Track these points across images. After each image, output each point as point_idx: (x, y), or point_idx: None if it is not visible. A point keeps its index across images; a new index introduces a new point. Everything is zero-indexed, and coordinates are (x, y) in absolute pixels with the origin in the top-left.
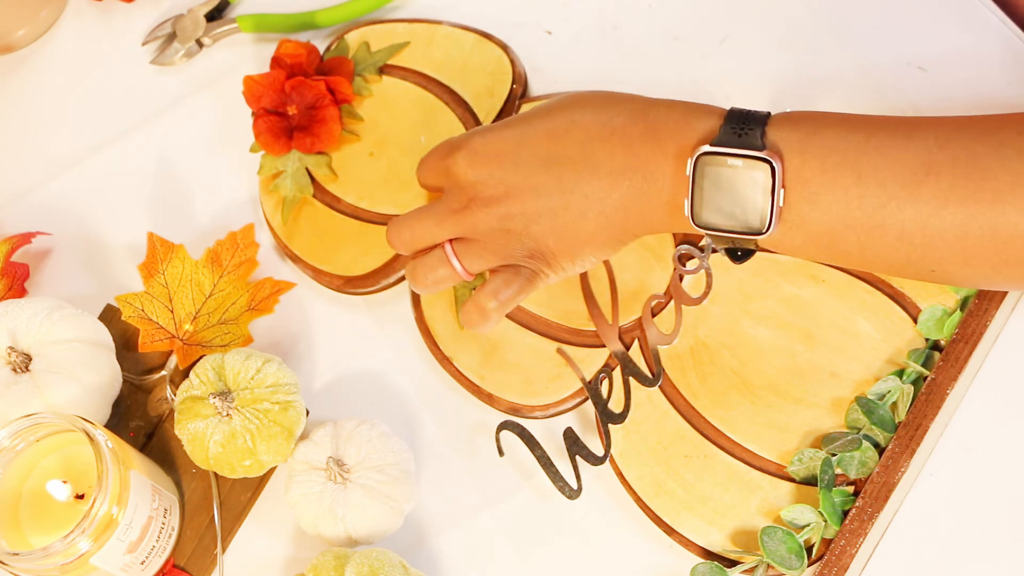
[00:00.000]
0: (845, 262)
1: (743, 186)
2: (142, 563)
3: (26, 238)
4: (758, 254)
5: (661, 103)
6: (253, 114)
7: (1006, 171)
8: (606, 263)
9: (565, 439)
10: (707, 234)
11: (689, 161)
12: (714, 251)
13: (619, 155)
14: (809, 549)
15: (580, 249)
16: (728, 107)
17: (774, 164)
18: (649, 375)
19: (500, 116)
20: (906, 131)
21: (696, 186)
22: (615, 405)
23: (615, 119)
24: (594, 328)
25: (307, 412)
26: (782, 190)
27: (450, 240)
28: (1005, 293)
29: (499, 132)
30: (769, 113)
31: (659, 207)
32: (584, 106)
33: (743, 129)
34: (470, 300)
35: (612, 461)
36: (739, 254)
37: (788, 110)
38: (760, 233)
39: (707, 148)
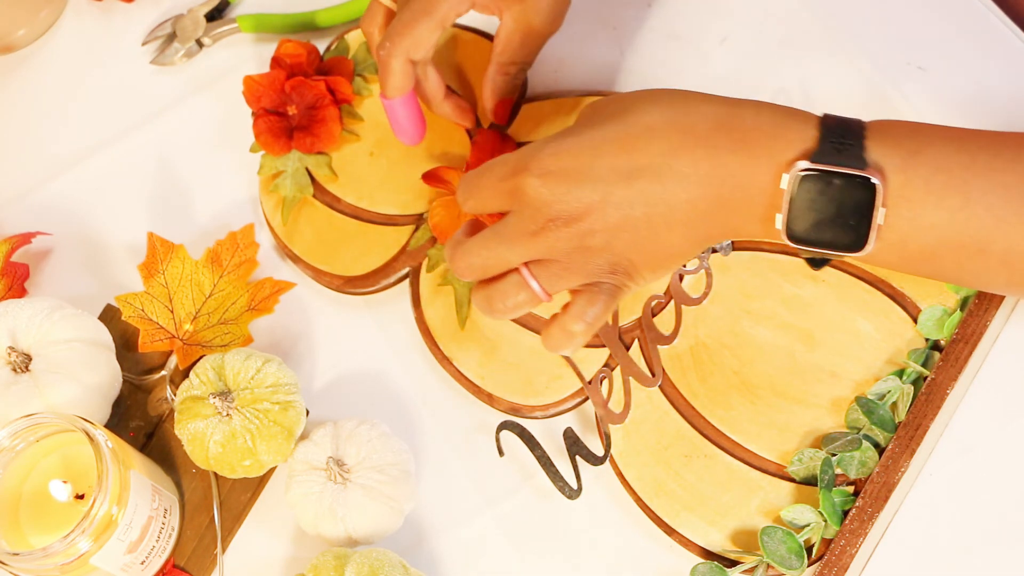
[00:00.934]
0: (937, 277)
1: (842, 203)
2: (142, 563)
3: (26, 238)
4: (758, 255)
5: (746, 106)
6: (253, 114)
7: None
8: None
9: (565, 439)
10: (799, 248)
11: (785, 176)
12: (714, 251)
13: (705, 165)
14: (809, 549)
15: (663, 259)
16: (819, 113)
17: (877, 184)
18: (649, 375)
19: None
20: (1012, 152)
21: (793, 202)
22: (615, 405)
23: (697, 125)
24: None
25: (307, 412)
26: (883, 209)
27: (525, 263)
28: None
29: (569, 145)
30: (863, 123)
31: (748, 218)
32: (657, 108)
33: (842, 143)
34: (555, 324)
35: (612, 461)
36: (819, 261)
37: (882, 118)
38: (857, 251)
39: (807, 165)
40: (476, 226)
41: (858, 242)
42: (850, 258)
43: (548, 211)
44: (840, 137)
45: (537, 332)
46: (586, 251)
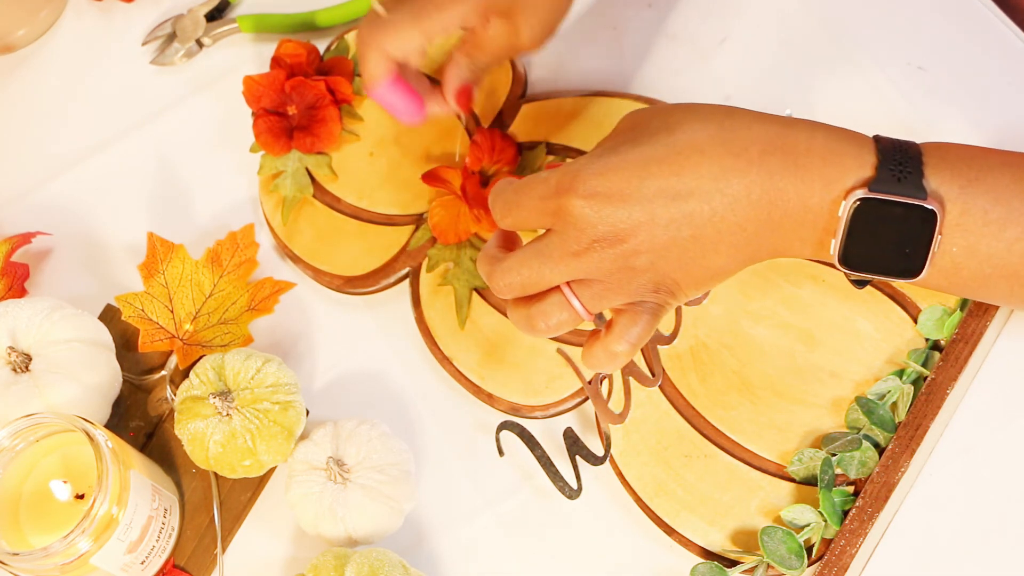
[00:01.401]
0: (985, 300)
1: (900, 233)
2: (142, 563)
3: (26, 238)
4: None
5: (799, 127)
6: (253, 114)
7: None
8: None
9: (565, 439)
10: (849, 274)
11: (844, 204)
12: None
13: (758, 190)
14: (809, 549)
15: (708, 279)
16: (873, 135)
17: (937, 213)
18: (649, 375)
19: (500, 116)
20: None
21: (849, 230)
22: (615, 405)
23: (749, 147)
24: (594, 327)
25: (307, 412)
26: (939, 236)
27: (567, 282)
28: None
29: (616, 164)
30: (920, 147)
31: (799, 241)
32: (706, 127)
33: (902, 171)
34: (598, 344)
35: (612, 461)
36: (863, 283)
37: (935, 140)
38: (910, 278)
39: (865, 195)
40: (508, 237)
41: (912, 270)
42: (899, 283)
43: (593, 232)
44: (899, 165)
45: None
46: (630, 271)
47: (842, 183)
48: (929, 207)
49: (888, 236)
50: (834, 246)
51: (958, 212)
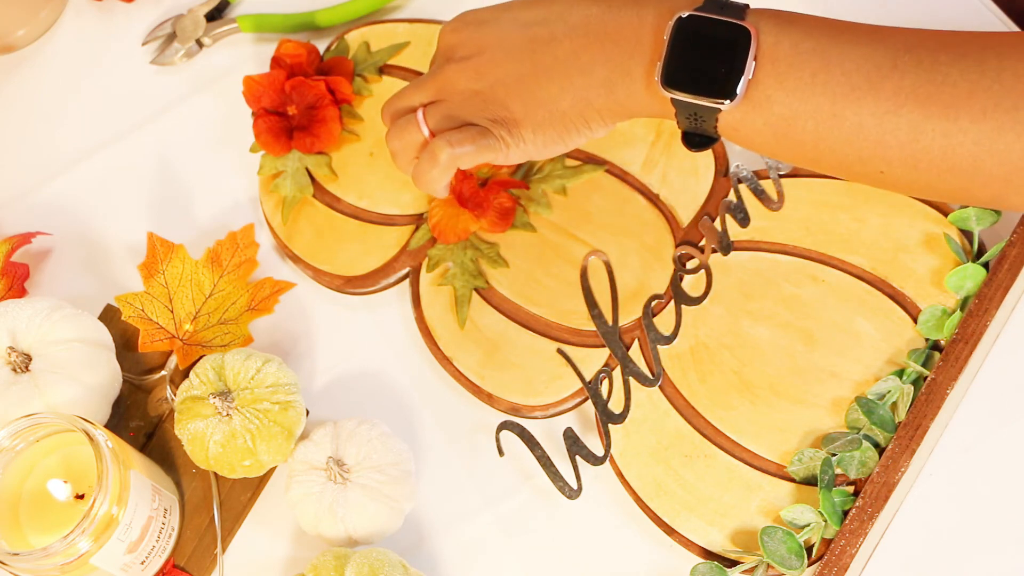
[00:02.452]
0: (798, 156)
1: (715, 51)
2: (142, 563)
3: (26, 238)
4: (758, 255)
5: None
6: (253, 114)
7: (965, 80)
8: (606, 264)
9: (565, 439)
10: (673, 98)
11: (669, 23)
12: (714, 251)
13: (596, 19)
14: (809, 549)
15: (543, 115)
16: None
17: (751, 32)
18: (649, 375)
19: None
20: (877, 33)
21: (670, 47)
22: (615, 405)
23: None
24: (594, 328)
25: (307, 412)
26: (754, 63)
27: (422, 105)
28: (1004, 293)
29: (486, 6)
30: (748, 3)
31: (631, 75)
32: None
33: (724, 6)
34: (426, 150)
35: (612, 461)
36: (698, 140)
37: None
38: (725, 98)
39: (688, 12)
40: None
41: (728, 90)
42: (722, 124)
43: (448, 52)
44: (722, 5)
45: (538, 332)
46: (474, 95)
47: (672, 10)
48: (744, 25)
49: (706, 51)
50: (659, 69)
51: (771, 42)
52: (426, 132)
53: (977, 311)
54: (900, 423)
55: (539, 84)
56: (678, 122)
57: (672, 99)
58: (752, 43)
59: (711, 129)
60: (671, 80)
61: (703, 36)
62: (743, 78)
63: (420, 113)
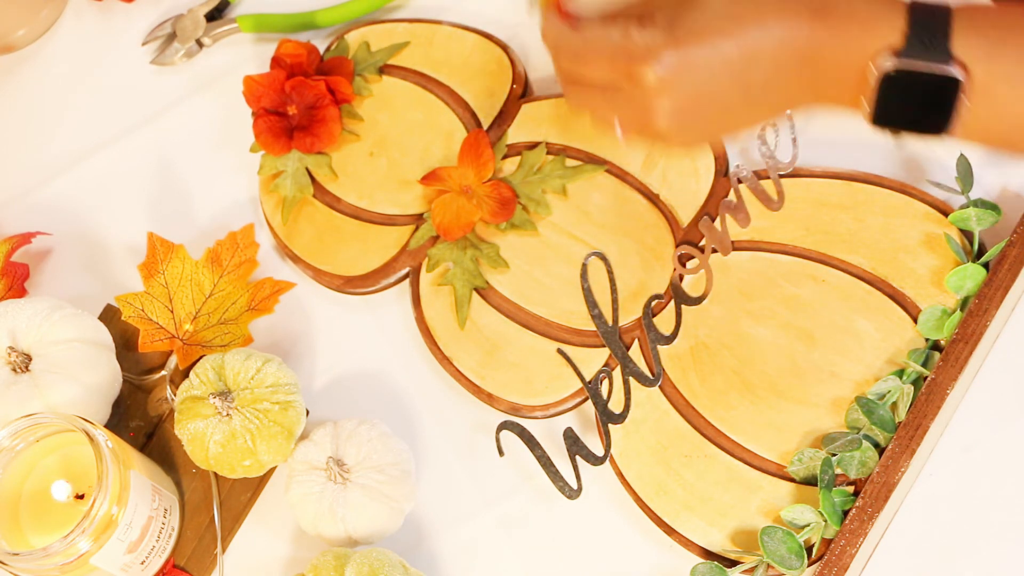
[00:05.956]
0: (1016, 151)
1: (925, 98)
2: (142, 563)
3: (26, 238)
4: (758, 255)
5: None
6: (253, 114)
7: None
8: (606, 263)
9: (565, 439)
10: (880, 128)
11: (872, 71)
12: (714, 251)
13: (797, 43)
14: (809, 549)
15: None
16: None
17: (962, 80)
18: (649, 375)
19: (500, 116)
20: None
21: (879, 100)
22: (615, 405)
23: (800, 9)
24: (594, 328)
25: (307, 412)
26: (965, 100)
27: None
28: (1004, 293)
29: (694, 51)
30: (950, 10)
31: (836, 103)
32: (772, 17)
33: (930, 39)
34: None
35: (612, 461)
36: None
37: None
38: (937, 135)
39: (893, 64)
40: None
41: (939, 129)
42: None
43: (648, 54)
44: (928, 31)
45: (538, 332)
46: (665, 112)
47: (877, 47)
48: (953, 74)
49: (915, 101)
50: (865, 110)
51: (983, 76)
52: (620, 136)
53: (977, 311)
54: (900, 423)
55: (738, 116)
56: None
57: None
58: (962, 88)
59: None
60: (880, 122)
61: (910, 86)
62: (951, 119)
63: (616, 123)
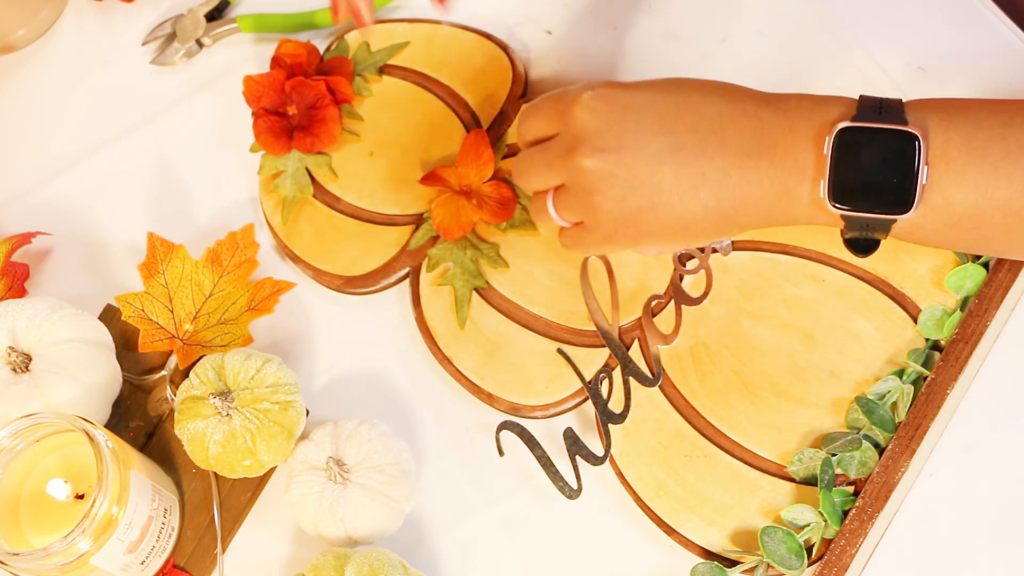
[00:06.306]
0: (983, 248)
1: (885, 160)
2: (142, 563)
3: (26, 238)
4: (758, 255)
5: (789, 94)
6: (253, 114)
7: None
8: (606, 263)
9: (565, 439)
10: (843, 215)
11: (828, 138)
12: (714, 251)
13: (749, 134)
14: (809, 549)
15: (678, 236)
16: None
17: (918, 137)
18: (649, 375)
19: (500, 116)
20: None
21: (834, 164)
22: (615, 405)
23: (745, 102)
24: (594, 328)
25: (307, 412)
26: (926, 167)
27: (555, 188)
28: (1004, 293)
29: (631, 89)
30: (901, 100)
31: (791, 194)
32: (712, 89)
33: (880, 110)
34: (560, 239)
35: (612, 461)
36: (864, 245)
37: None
38: (903, 211)
39: (848, 124)
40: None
41: (903, 201)
42: (896, 229)
43: (584, 136)
44: (879, 105)
45: (538, 332)
46: (606, 200)
47: (826, 123)
48: (911, 131)
49: (874, 163)
50: (823, 187)
51: (941, 142)
52: (560, 223)
53: (977, 311)
54: (900, 423)
55: (678, 195)
56: (844, 231)
57: (842, 215)
58: (921, 149)
59: (882, 236)
60: (841, 197)
61: (867, 147)
62: (916, 188)
63: (551, 206)
